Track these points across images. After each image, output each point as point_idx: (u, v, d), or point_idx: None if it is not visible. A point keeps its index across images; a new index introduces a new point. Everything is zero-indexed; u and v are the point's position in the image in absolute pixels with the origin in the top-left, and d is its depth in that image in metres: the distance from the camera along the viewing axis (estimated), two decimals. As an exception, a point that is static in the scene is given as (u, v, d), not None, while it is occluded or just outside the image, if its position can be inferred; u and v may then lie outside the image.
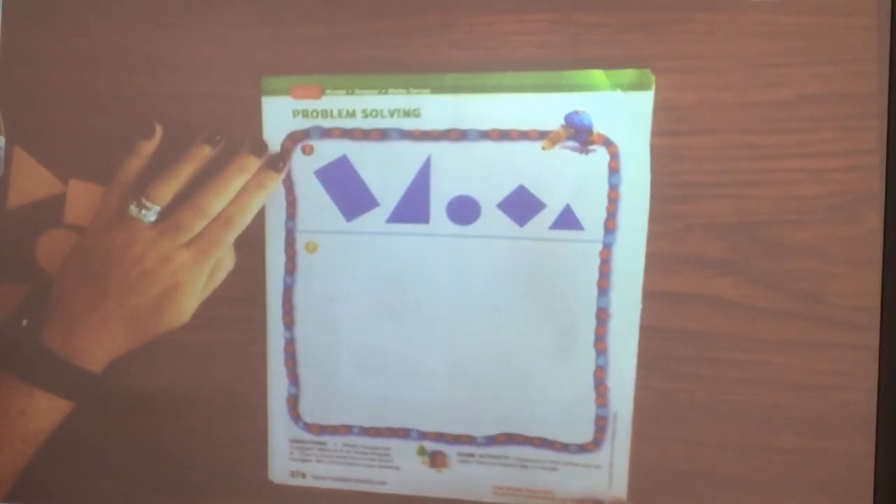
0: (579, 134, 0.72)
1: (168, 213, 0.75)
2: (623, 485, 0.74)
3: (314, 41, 0.75)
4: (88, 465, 0.81)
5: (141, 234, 0.75)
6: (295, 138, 0.75)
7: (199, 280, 0.75)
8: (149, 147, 0.77)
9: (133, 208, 0.75)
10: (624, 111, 0.71)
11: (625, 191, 0.71)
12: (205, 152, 0.76)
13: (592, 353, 0.73)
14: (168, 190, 0.75)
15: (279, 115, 0.76)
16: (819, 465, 0.70)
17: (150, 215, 0.75)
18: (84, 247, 0.78)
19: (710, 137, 0.69)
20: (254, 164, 0.75)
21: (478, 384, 0.75)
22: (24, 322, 0.79)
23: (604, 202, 0.72)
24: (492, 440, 0.75)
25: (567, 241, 0.73)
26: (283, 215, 0.76)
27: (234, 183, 0.75)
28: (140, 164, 0.77)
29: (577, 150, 0.72)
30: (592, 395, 0.73)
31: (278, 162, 0.75)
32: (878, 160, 0.67)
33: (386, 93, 0.74)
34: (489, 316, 0.74)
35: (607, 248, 0.72)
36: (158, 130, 0.77)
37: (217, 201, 0.75)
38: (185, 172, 0.76)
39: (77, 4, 0.79)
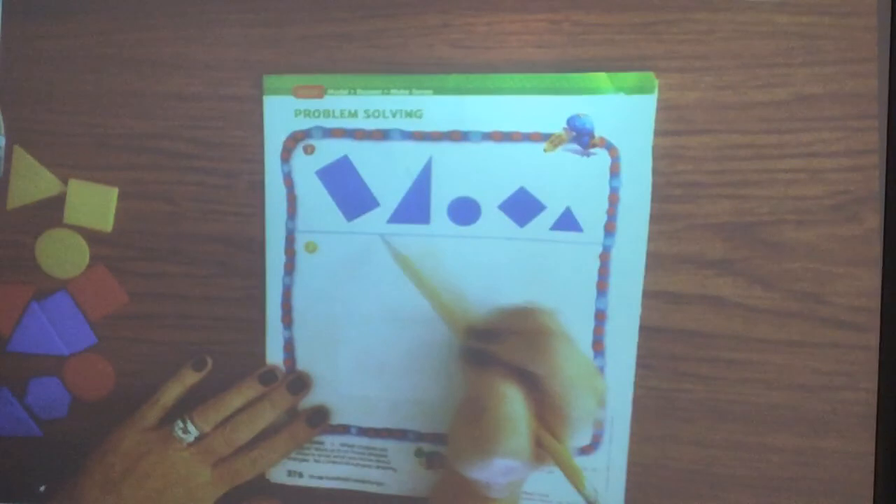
0: (581, 137, 0.72)
1: (201, 437, 0.76)
2: (621, 487, 0.73)
3: (316, 40, 0.75)
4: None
5: (175, 454, 0.75)
6: (296, 138, 0.75)
7: (212, 498, 0.76)
8: (195, 379, 0.78)
9: (178, 430, 0.75)
10: (626, 115, 0.71)
11: (625, 194, 0.72)
12: (255, 388, 0.77)
13: (590, 354, 0.73)
14: (214, 419, 0.76)
15: (281, 114, 0.76)
16: (819, 465, 0.70)
17: (189, 438, 0.75)
18: (109, 451, 0.77)
19: (710, 137, 0.70)
20: (287, 400, 0.77)
21: (476, 385, 0.75)
22: (42, 488, 0.81)
23: (604, 205, 0.72)
24: (490, 441, 0.75)
25: (566, 243, 0.73)
26: (283, 215, 0.76)
27: (265, 419, 0.76)
28: (182, 392, 0.78)
29: (579, 152, 0.72)
30: (591, 396, 0.73)
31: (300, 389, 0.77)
32: (878, 160, 0.67)
33: (388, 93, 0.74)
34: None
35: (606, 250, 0.72)
36: (209, 364, 0.78)
37: (247, 435, 0.76)
38: (232, 405, 0.76)
39: (77, 4, 0.79)
